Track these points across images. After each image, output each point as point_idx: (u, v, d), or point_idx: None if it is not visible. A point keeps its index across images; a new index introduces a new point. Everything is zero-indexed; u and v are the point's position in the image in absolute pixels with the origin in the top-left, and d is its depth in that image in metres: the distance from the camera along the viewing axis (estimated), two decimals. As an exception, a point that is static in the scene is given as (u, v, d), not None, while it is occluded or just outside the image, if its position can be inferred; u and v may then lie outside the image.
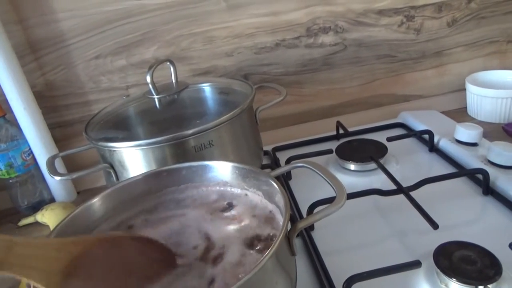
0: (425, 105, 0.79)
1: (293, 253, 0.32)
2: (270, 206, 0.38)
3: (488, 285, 0.35)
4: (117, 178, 0.48)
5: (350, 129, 0.71)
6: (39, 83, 0.68)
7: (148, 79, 0.50)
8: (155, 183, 0.40)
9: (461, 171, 0.55)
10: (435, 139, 0.64)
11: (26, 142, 0.67)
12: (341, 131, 0.70)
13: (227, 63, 0.72)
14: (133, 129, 0.53)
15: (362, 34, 0.73)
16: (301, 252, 0.46)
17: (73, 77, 0.69)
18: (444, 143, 0.63)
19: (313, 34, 0.72)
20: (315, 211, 0.48)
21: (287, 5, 0.69)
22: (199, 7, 0.67)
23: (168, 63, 0.54)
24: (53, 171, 0.46)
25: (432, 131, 0.64)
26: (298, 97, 0.77)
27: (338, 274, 0.40)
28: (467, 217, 0.48)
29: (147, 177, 0.41)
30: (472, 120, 0.72)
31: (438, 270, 0.38)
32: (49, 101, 0.70)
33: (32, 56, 0.67)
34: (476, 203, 0.51)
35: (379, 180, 0.56)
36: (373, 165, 0.59)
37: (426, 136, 0.64)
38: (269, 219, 0.37)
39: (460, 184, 0.54)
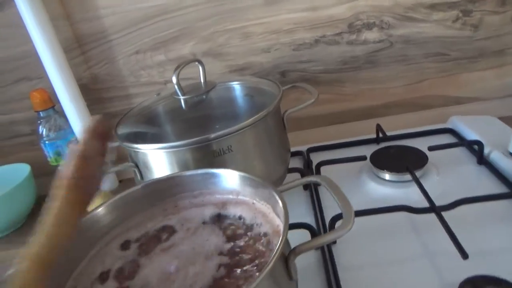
0: (481, 109, 0.72)
1: (291, 278, 0.31)
2: (278, 221, 0.36)
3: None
4: (142, 177, 0.49)
5: (392, 133, 0.66)
6: (85, 77, 0.72)
7: (174, 80, 0.50)
8: (157, 192, 0.41)
9: (509, 192, 0.50)
10: (486, 151, 0.58)
11: (72, 132, 0.71)
12: (381, 135, 0.66)
13: (264, 60, 0.70)
14: (159, 129, 0.53)
15: (410, 30, 0.68)
16: (319, 267, 0.45)
17: (115, 71, 0.71)
18: (496, 156, 0.56)
19: (356, 30, 0.68)
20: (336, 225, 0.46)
21: (326, 0, 0.65)
22: (236, 3, 0.66)
23: (197, 63, 0.53)
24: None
25: (483, 141, 0.58)
26: (338, 96, 0.73)
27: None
28: (507, 247, 0.43)
29: (146, 186, 0.41)
30: (534, 129, 0.64)
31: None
32: (94, 93, 0.73)
33: (79, 50, 0.70)
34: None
35: (415, 193, 0.52)
36: (409, 176, 0.55)
37: (476, 147, 0.58)
38: (276, 233, 0.36)
39: (507, 206, 0.48)
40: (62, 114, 0.70)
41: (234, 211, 0.39)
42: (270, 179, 0.50)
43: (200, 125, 0.51)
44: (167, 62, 0.71)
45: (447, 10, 0.66)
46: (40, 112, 0.68)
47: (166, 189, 0.41)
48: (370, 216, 0.47)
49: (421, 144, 0.61)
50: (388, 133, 0.66)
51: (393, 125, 0.70)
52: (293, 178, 0.58)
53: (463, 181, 0.55)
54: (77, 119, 0.69)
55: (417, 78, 0.72)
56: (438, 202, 0.47)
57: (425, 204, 0.48)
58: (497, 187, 0.52)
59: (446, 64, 0.71)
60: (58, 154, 0.70)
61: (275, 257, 0.28)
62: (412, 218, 0.48)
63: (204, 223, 0.39)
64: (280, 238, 0.30)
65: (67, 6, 0.66)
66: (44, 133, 0.69)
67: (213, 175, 0.39)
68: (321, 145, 0.69)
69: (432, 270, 0.41)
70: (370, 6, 0.66)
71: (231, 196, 0.39)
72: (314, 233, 0.46)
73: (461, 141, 0.62)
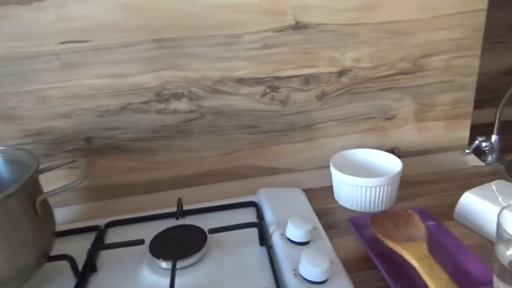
0: (294, 180, 0.73)
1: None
2: None
3: None
4: None
5: (194, 207, 0.64)
6: None
7: None
8: None
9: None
10: (271, 231, 0.58)
11: None
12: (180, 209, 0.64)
13: (64, 125, 0.65)
14: None
15: (220, 102, 0.68)
16: None
17: None
18: (276, 239, 0.56)
19: (165, 100, 0.66)
20: None
21: (132, 67, 0.63)
22: (28, 65, 0.61)
23: None
24: None
25: (274, 219, 0.58)
26: (150, 164, 0.70)
27: None
28: None
29: None
30: (334, 203, 0.66)
31: None
32: None
33: None
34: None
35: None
36: (181, 264, 0.52)
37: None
38: None
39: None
40: None
41: None
42: (13, 272, 0.45)
43: None
44: (-51, 122, 0.62)
45: (254, 85, 0.68)
46: None
47: None
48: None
49: (219, 220, 0.59)
50: (192, 206, 0.64)
51: (203, 196, 0.68)
52: (60, 266, 0.53)
53: (238, 265, 0.53)
54: None
55: (231, 148, 0.72)
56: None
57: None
58: (267, 274, 0.51)
59: (259, 136, 0.72)
60: None
61: None
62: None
63: None
64: None
65: None
66: None
67: None
68: (120, 219, 0.64)
69: None
70: (177, 77, 0.65)
71: None
72: None
73: (239, 224, 0.59)
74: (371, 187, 0.61)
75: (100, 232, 0.60)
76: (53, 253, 0.52)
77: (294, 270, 0.49)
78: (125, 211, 0.66)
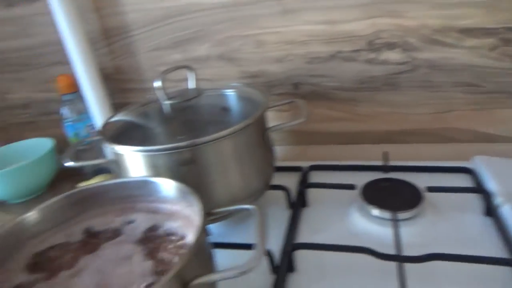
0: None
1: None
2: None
3: None
4: (118, 174, 0.51)
5: (400, 163, 0.61)
6: (110, 67, 0.76)
7: (159, 84, 0.51)
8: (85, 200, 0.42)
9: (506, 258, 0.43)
10: (498, 201, 0.51)
11: (89, 117, 0.75)
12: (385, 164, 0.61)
13: (277, 70, 0.68)
14: (143, 131, 0.55)
15: (438, 55, 0.61)
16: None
17: (135, 64, 0.75)
18: (508, 210, 0.49)
19: (376, 49, 0.63)
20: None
21: (347, 13, 0.61)
22: (252, 9, 0.65)
23: (186, 69, 0.54)
24: (68, 156, 0.51)
25: (501, 189, 0.51)
26: (352, 115, 0.69)
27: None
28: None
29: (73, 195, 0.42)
30: None
31: None
32: (116, 83, 0.77)
33: (105, 42, 0.74)
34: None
35: (380, 243, 0.47)
36: (404, 215, 0.50)
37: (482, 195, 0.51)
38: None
39: (496, 272, 0.42)
40: (82, 99, 0.75)
41: (166, 222, 0.39)
42: (245, 193, 0.50)
43: (181, 131, 0.52)
44: (183, 61, 0.72)
45: (483, 37, 0.59)
46: (65, 95, 0.74)
47: (95, 196, 0.42)
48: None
49: (429, 181, 0.55)
50: (397, 163, 0.61)
51: (408, 155, 0.64)
52: (276, 195, 0.57)
53: (459, 233, 0.48)
54: (96, 106, 0.74)
55: (442, 107, 0.65)
56: (413, 251, 0.43)
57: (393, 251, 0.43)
58: (494, 247, 0.45)
59: (479, 97, 0.63)
60: (76, 135, 0.75)
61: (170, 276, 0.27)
62: (378, 262, 0.44)
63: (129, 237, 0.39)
64: (179, 261, 0.29)
65: (97, 1, 0.70)
66: (66, 115, 0.74)
67: (147, 183, 0.39)
68: (324, 164, 0.65)
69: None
70: (393, 25, 0.61)
71: (164, 205, 0.39)
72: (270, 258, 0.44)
73: (463, 187, 0.54)
74: None
75: (304, 174, 0.63)
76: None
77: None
78: (322, 158, 0.67)
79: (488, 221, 0.49)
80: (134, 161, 0.48)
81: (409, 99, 0.66)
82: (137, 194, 0.41)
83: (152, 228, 0.39)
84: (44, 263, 0.37)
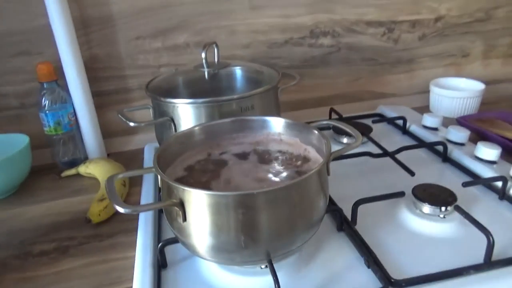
0: (397, 102, 0.98)
1: (328, 173, 0.47)
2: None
3: (448, 207, 0.53)
4: (176, 130, 0.61)
5: (346, 115, 0.88)
6: (85, 56, 0.79)
7: (203, 55, 0.64)
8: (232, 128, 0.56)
9: (429, 143, 0.73)
10: (407, 125, 0.82)
11: (72, 105, 0.77)
12: (334, 116, 0.87)
13: (244, 53, 0.86)
14: (185, 93, 0.66)
15: (353, 39, 0.91)
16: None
17: (115, 53, 0.81)
18: (414, 128, 0.81)
19: (315, 36, 0.89)
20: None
21: (297, 10, 0.85)
22: (227, 5, 0.81)
23: (214, 45, 0.68)
24: (128, 119, 0.58)
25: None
26: (300, 87, 0.93)
27: (345, 200, 0.56)
28: (431, 174, 0.66)
29: (233, 122, 0.56)
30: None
31: (415, 199, 0.55)
32: (91, 72, 0.81)
33: (83, 31, 0.78)
34: (437, 168, 0.69)
35: (370, 149, 0.73)
36: (365, 139, 0.76)
37: (401, 122, 0.82)
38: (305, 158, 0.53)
39: (425, 154, 0.72)
40: (64, 88, 0.76)
41: (280, 147, 0.55)
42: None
43: (217, 91, 0.65)
44: (163, 49, 0.82)
45: (377, 27, 0.91)
46: (45, 84, 0.74)
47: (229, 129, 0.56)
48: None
49: (364, 121, 0.83)
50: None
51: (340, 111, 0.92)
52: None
53: (396, 143, 0.77)
54: (79, 93, 0.76)
55: (355, 76, 0.95)
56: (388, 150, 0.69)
57: (379, 152, 0.69)
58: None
59: (375, 67, 0.96)
60: (58, 124, 0.76)
61: (328, 157, 0.44)
62: (371, 162, 0.68)
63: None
64: (326, 145, 0.46)
65: (80, -9, 0.75)
66: (47, 103, 0.74)
67: (265, 121, 0.54)
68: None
69: (395, 186, 0.62)
70: (326, 18, 0.88)
71: (279, 137, 0.55)
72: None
73: (391, 118, 0.85)
74: (467, 98, 0.87)
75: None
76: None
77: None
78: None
79: (406, 138, 0.80)
80: (191, 112, 0.60)
81: (336, 72, 0.94)
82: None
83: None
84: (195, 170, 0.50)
